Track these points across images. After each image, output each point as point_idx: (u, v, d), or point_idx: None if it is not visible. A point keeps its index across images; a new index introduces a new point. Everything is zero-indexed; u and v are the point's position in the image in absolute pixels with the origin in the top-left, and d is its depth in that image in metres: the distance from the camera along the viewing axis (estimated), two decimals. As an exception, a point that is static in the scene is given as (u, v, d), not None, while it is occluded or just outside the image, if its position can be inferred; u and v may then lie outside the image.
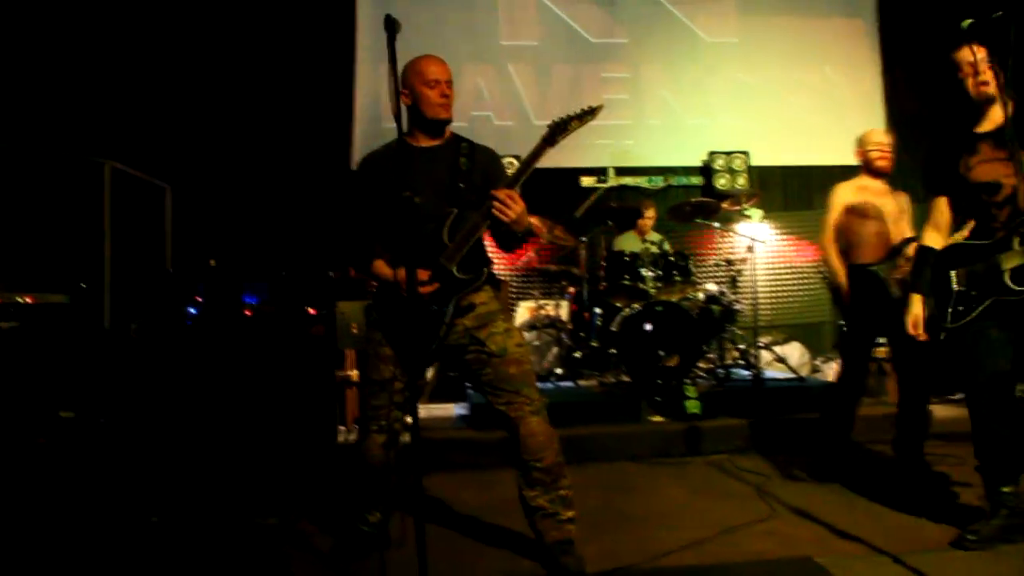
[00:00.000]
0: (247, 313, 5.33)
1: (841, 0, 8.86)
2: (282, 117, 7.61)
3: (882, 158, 4.87)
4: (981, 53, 3.42)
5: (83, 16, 6.01)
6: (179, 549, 3.78)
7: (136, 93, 6.65)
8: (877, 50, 8.73)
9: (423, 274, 3.29)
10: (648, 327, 6.30)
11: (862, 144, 4.94)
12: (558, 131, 3.25)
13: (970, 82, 3.48)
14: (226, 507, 4.39)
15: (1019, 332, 3.44)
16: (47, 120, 5.63)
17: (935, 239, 3.74)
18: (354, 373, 5.73)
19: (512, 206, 3.14)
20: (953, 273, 3.57)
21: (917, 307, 3.71)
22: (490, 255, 3.60)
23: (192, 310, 5.16)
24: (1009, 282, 3.36)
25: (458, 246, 3.28)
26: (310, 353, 5.36)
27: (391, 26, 2.81)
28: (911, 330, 3.70)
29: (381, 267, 3.43)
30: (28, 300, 4.99)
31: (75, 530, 3.91)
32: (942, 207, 3.73)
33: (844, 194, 4.90)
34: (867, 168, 4.91)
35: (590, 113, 3.25)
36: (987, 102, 3.50)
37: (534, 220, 7.28)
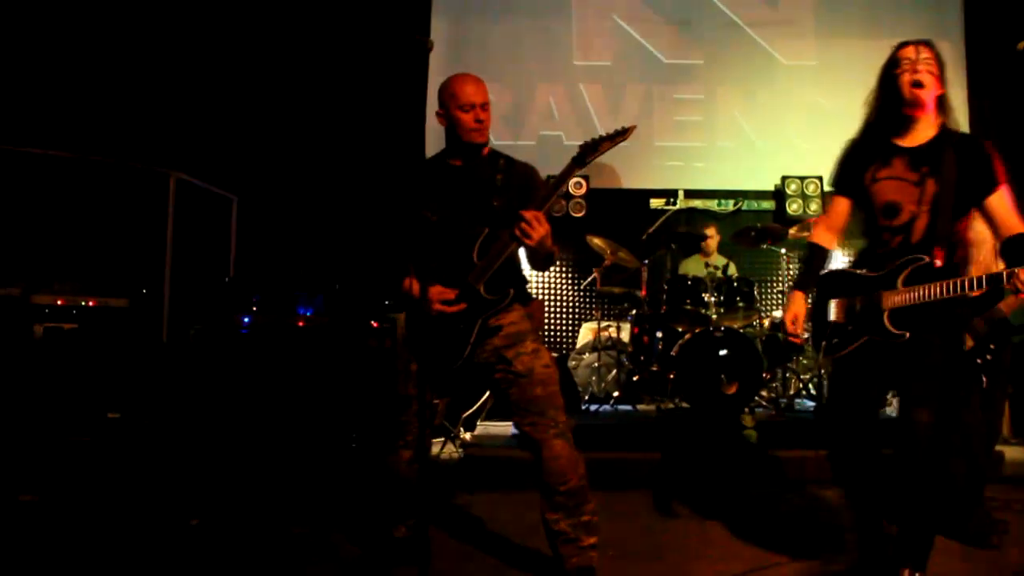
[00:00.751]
0: (300, 324, 5.39)
1: (926, 22, 8.56)
2: (352, 131, 7.69)
3: None
4: (926, 53, 3.09)
5: (156, 30, 6.19)
6: (207, 553, 3.84)
7: (209, 107, 6.80)
8: (963, 75, 8.43)
9: (450, 293, 3.28)
10: (706, 353, 6.19)
11: None
12: (588, 152, 3.19)
13: (905, 78, 3.08)
14: (267, 515, 4.45)
15: (890, 373, 3.20)
16: (120, 132, 5.81)
17: (827, 239, 3.49)
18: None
19: (536, 228, 3.08)
20: (833, 302, 3.34)
21: (797, 305, 3.44)
22: (528, 274, 3.58)
23: (246, 318, 5.24)
24: (888, 324, 3.11)
25: (486, 266, 3.25)
26: (366, 365, 5.39)
27: (421, 47, 2.82)
28: (789, 327, 3.45)
29: (411, 283, 3.42)
30: (90, 303, 5.15)
31: (115, 528, 4.00)
32: (840, 208, 3.43)
33: None
34: None
35: (622, 134, 3.17)
36: (915, 109, 3.12)
37: (597, 241, 7.26)
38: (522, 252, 3.32)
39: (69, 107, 6.05)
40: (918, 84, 3.07)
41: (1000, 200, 3.05)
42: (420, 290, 3.31)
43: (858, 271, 3.28)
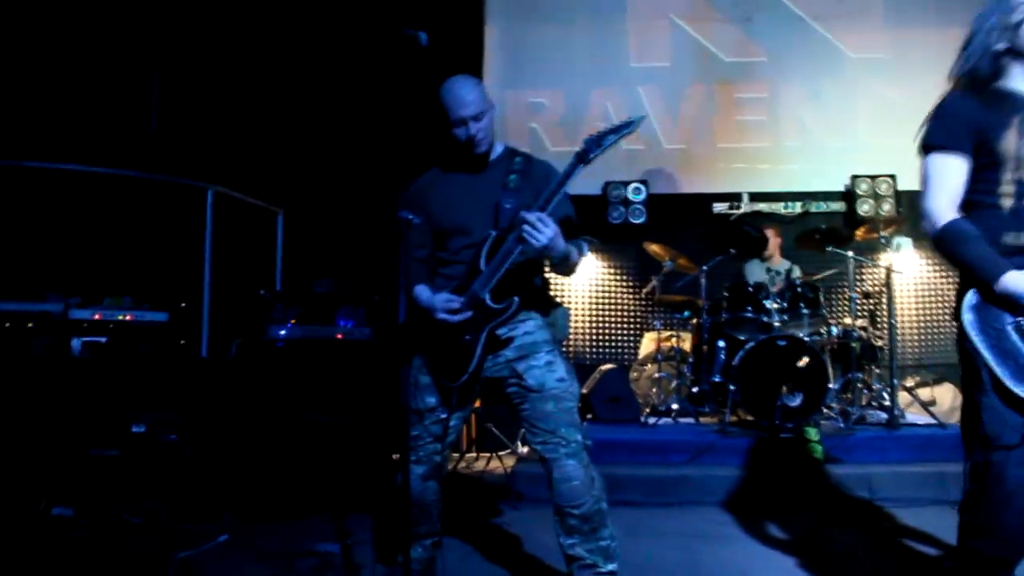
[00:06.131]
0: (338, 337, 5.28)
1: (1006, 10, 8.07)
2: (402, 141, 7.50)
3: None
4: None
5: (198, 47, 6.15)
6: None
7: (255, 123, 6.75)
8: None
9: (456, 301, 3.08)
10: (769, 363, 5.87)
11: None
12: (592, 147, 2.91)
13: None
14: (288, 532, 4.42)
15: None
16: (161, 149, 5.80)
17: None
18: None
19: (542, 230, 2.84)
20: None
21: None
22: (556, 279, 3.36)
23: (282, 332, 5.15)
24: None
25: (491, 272, 3.02)
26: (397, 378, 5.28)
27: (406, 42, 2.69)
28: None
29: (421, 291, 3.24)
30: (127, 318, 5.13)
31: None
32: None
33: None
34: None
35: (627, 127, 2.88)
36: None
37: (654, 247, 6.99)
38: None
39: (106, 125, 6.07)
40: None
41: None
42: (426, 298, 3.18)
43: None
